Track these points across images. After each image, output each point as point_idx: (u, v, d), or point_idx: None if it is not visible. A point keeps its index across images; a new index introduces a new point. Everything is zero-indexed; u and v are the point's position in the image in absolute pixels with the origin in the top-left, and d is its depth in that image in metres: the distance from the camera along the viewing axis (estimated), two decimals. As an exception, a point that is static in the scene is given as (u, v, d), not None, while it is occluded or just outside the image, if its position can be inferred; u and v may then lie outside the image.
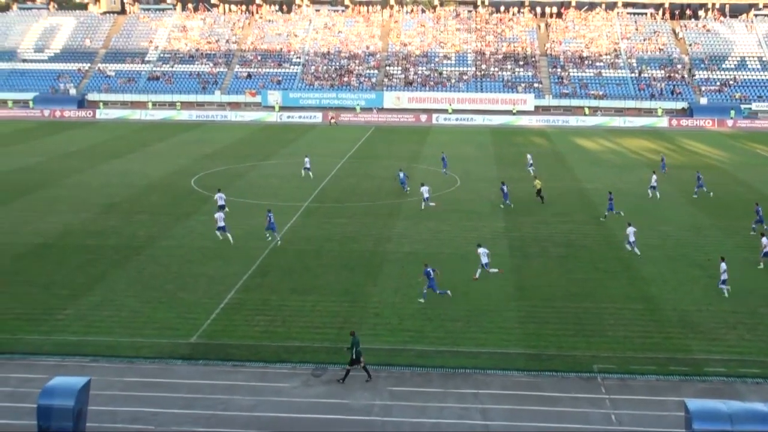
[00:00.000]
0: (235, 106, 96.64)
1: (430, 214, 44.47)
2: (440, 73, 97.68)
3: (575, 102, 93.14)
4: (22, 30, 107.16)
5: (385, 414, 22.88)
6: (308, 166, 55.21)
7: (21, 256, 36.53)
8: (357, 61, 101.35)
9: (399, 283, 32.98)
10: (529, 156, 60.40)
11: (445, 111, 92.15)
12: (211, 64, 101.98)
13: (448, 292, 31.35)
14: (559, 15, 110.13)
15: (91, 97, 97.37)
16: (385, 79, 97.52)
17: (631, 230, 37.59)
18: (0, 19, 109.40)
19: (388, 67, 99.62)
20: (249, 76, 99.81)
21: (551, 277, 33.92)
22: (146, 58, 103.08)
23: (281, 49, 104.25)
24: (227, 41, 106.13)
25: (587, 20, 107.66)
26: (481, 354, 26.39)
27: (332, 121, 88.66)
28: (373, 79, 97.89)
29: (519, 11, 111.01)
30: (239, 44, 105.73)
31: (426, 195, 46.36)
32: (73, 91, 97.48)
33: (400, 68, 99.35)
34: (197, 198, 49.08)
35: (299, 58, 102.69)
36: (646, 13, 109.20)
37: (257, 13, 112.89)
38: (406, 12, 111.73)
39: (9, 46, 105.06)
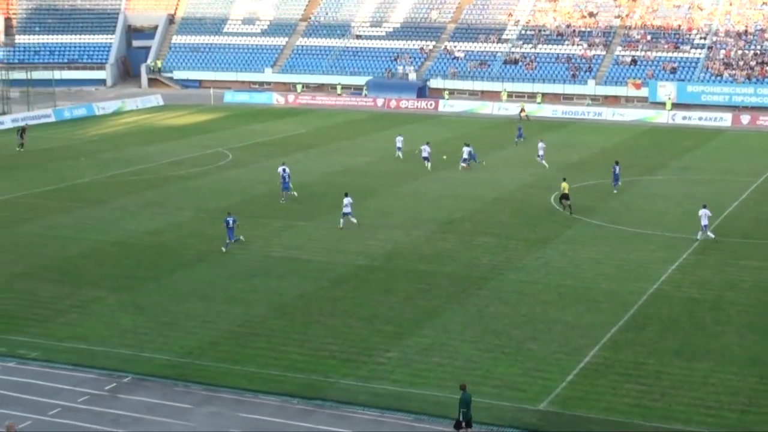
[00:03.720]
0: (612, 100, 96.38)
1: None
2: None
3: None
4: (357, 0, 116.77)
5: None
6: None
7: (342, 279, 39.58)
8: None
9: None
10: (540, 144, 64.56)
11: None
12: (585, 45, 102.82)
13: None
14: None
15: (434, 83, 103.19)
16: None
17: (704, 212, 41.73)
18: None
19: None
20: (634, 61, 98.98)
21: None
22: (503, 36, 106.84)
23: (680, 26, 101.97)
24: (608, 14, 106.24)
25: None
26: None
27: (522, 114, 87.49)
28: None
29: None
30: (623, 19, 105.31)
31: None
32: (412, 76, 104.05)
33: None
34: (557, 219, 49.61)
35: (704, 38, 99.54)
36: None
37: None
38: None
39: (342, 19, 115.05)
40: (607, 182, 58.22)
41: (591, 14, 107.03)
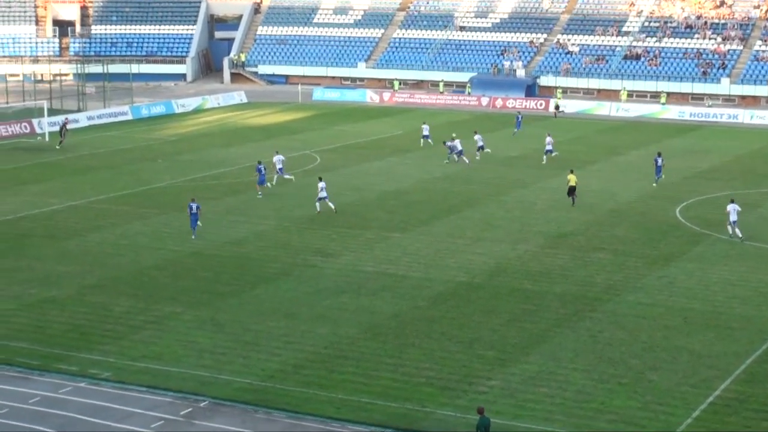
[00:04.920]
0: (749, 101, 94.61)
1: None
2: None
3: None
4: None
5: None
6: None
7: (441, 297, 39.60)
8: None
9: None
10: (548, 138, 67.47)
11: None
12: (719, 39, 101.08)
13: None
14: None
15: (545, 81, 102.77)
16: None
17: (732, 207, 43.55)
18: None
19: None
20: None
21: None
22: (623, 28, 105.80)
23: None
24: (745, 4, 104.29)
25: None
26: None
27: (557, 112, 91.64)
28: None
29: None
30: (764, 10, 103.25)
31: None
32: (521, 72, 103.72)
33: None
34: (683, 235, 48.93)
35: None
36: None
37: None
38: None
39: (444, 8, 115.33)
40: (743, 193, 57.13)
41: (725, 4, 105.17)
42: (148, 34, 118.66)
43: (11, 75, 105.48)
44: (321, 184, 52.26)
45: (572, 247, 46.81)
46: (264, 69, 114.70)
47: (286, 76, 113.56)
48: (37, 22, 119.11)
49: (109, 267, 43.41)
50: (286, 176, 60.10)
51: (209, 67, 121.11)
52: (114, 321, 36.66)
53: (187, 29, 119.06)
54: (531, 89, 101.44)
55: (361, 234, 49.08)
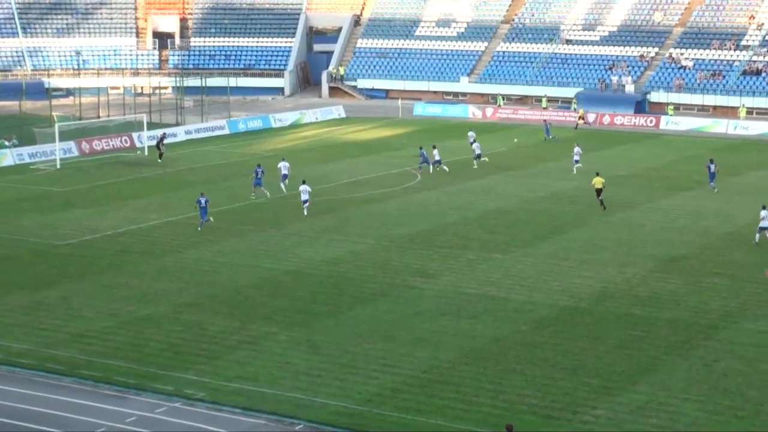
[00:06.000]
0: None
1: None
2: None
3: None
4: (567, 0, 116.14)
5: None
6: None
7: (544, 322, 39.34)
8: None
9: None
10: (576, 149, 70.85)
11: None
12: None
13: None
14: None
15: (655, 96, 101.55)
16: None
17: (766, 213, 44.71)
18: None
19: None
20: None
21: None
22: (743, 42, 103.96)
23: None
24: None
25: None
26: None
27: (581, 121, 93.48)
28: None
29: None
30: None
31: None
32: (630, 88, 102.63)
33: None
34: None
35: None
36: None
37: None
38: None
39: (550, 21, 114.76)
40: None
41: None
42: (247, 46, 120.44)
43: (112, 88, 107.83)
44: (303, 187, 56.71)
45: (685, 271, 46.11)
46: (363, 83, 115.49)
47: (386, 91, 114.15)
48: (137, 34, 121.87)
49: (205, 285, 44.09)
50: (282, 185, 62.83)
51: (307, 80, 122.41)
52: (209, 340, 37.20)
53: (286, 42, 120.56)
54: (641, 105, 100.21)
55: (462, 254, 49.03)
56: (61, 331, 38.21)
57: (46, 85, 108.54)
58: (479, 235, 52.98)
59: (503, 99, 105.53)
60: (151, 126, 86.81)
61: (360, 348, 36.30)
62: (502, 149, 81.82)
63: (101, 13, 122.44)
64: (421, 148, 71.30)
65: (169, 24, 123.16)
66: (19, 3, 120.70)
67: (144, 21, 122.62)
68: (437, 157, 70.59)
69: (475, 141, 75.30)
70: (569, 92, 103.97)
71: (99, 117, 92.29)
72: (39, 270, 46.51)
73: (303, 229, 53.65)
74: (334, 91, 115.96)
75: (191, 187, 64.00)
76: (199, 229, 53.00)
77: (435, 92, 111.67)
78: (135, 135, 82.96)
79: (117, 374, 33.80)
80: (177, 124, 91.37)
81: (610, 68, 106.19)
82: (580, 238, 52.08)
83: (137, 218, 56.55)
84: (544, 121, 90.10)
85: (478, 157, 72.55)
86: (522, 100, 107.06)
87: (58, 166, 73.50)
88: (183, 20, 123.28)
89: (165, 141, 78.14)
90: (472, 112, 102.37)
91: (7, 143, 78.69)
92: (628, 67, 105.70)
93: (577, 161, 70.65)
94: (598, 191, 57.99)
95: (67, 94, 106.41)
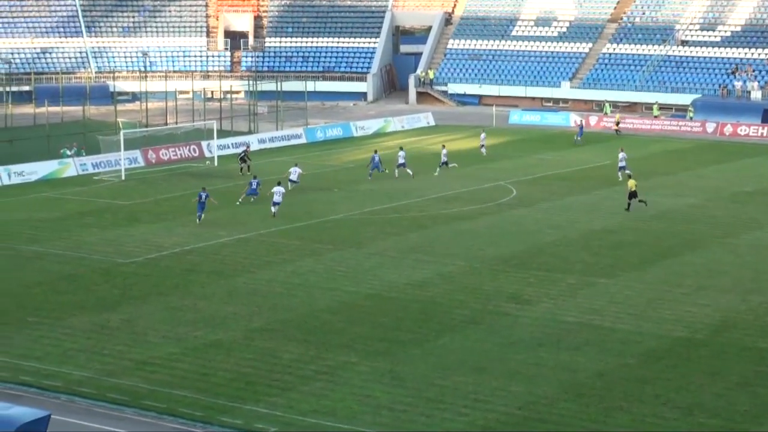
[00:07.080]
0: None
1: None
2: None
3: None
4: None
5: None
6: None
7: (654, 355, 38.89)
8: None
9: None
10: (622, 155, 73.87)
11: None
12: None
13: None
14: None
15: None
16: None
17: None
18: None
19: None
20: None
21: None
22: None
23: None
24: None
25: None
26: None
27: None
28: None
29: None
30: None
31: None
32: (756, 94, 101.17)
33: None
34: None
35: None
36: None
37: None
38: None
39: (663, 19, 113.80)
40: None
41: None
42: (326, 47, 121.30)
43: (181, 92, 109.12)
44: (277, 188, 61.28)
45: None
46: (454, 88, 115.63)
47: (479, 96, 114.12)
48: (208, 34, 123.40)
49: (278, 309, 44.37)
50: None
51: (393, 85, 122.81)
52: (282, 370, 37.38)
53: (370, 42, 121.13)
54: (767, 114, 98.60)
55: (561, 278, 48.76)
56: (124, 357, 38.66)
57: (111, 89, 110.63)
58: (581, 257, 52.67)
59: (610, 106, 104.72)
60: (222, 134, 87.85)
61: (448, 381, 36.22)
62: (607, 162, 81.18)
63: (169, 11, 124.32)
64: (375, 152, 74.93)
65: (243, 23, 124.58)
66: (83, 0, 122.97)
67: (215, 19, 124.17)
68: (401, 160, 73.99)
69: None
70: (685, 99, 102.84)
71: (167, 124, 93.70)
72: (102, 290, 47.24)
73: (386, 249, 53.75)
74: (422, 96, 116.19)
75: (263, 202, 64.46)
76: (198, 222, 58.60)
77: (533, 98, 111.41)
78: (204, 144, 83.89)
79: (182, 405, 34.07)
80: (250, 132, 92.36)
81: (733, 72, 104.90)
82: (696, 262, 51.51)
83: (206, 235, 57.17)
84: (578, 124, 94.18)
85: (444, 164, 76.37)
86: (630, 107, 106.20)
87: (123, 178, 74.72)
88: (257, 18, 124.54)
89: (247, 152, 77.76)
90: (574, 120, 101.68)
91: (69, 152, 79.93)
92: (753, 71, 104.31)
93: (623, 167, 72.59)
94: (633, 193, 61.86)
95: (133, 99, 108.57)
